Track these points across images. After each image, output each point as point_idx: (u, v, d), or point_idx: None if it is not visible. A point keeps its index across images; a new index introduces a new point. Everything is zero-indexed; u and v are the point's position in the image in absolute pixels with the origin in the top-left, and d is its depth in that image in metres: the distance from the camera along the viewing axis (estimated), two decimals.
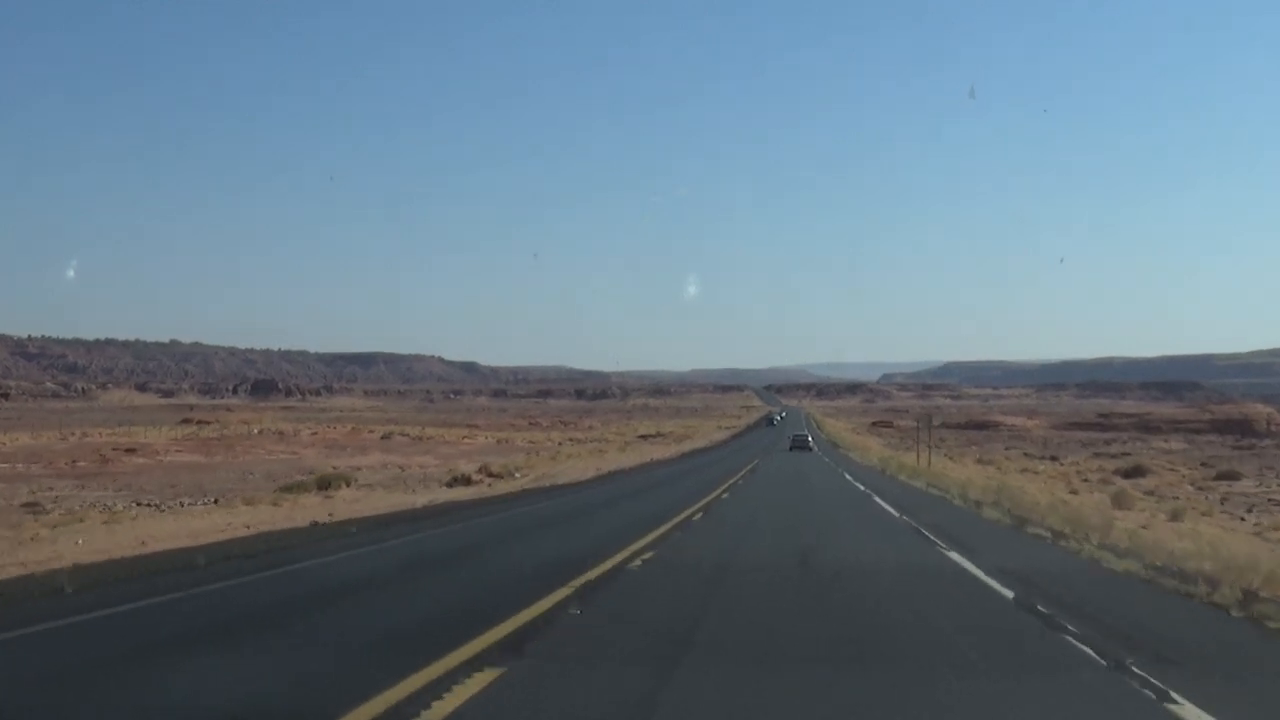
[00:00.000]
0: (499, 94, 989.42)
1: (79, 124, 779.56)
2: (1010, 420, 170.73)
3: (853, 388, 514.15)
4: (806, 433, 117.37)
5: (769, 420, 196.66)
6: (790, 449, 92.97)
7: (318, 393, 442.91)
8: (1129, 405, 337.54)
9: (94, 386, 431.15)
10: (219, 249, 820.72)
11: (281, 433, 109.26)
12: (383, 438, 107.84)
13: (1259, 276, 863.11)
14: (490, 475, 52.56)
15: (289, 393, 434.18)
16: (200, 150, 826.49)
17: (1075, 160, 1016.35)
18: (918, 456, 58.12)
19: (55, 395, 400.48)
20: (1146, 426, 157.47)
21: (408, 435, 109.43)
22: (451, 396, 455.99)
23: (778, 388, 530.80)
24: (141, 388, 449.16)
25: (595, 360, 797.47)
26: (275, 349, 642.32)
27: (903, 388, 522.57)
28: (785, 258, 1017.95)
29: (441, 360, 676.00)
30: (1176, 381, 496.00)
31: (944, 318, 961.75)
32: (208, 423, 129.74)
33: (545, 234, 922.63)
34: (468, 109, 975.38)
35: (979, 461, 66.34)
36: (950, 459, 61.26)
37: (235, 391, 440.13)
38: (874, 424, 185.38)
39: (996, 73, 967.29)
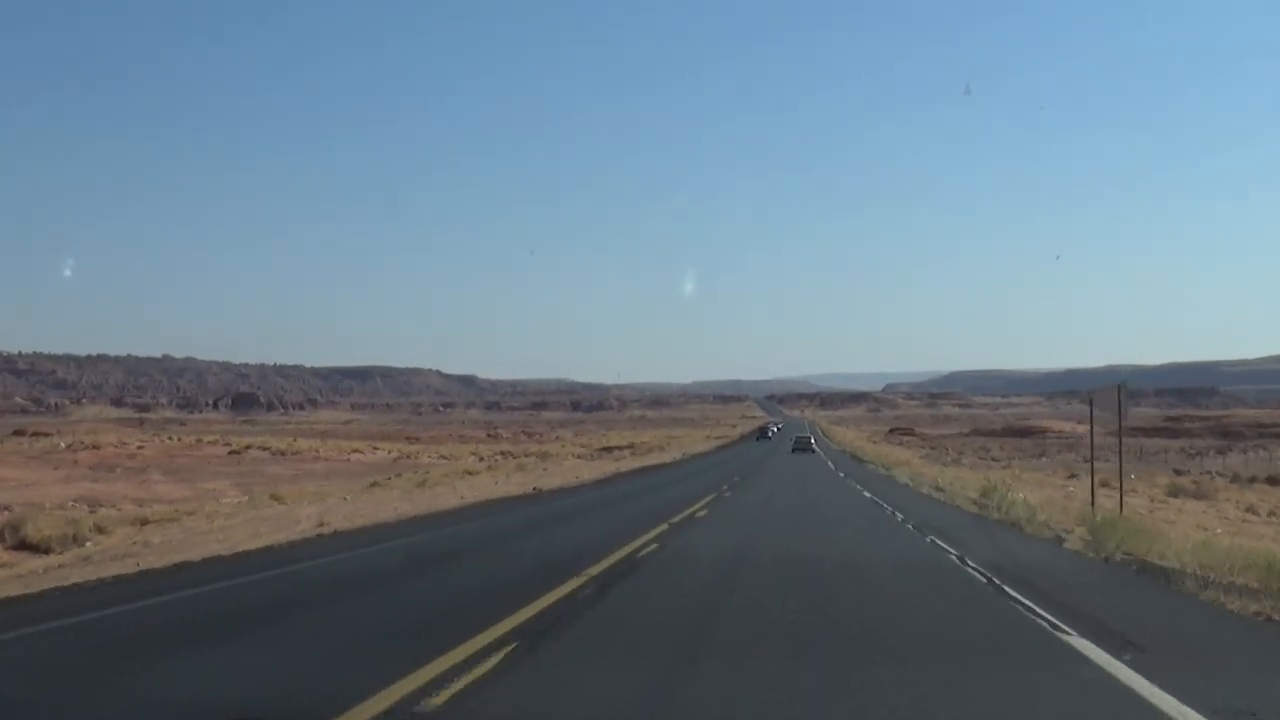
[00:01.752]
0: (500, 106, 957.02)
1: (73, 135, 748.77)
2: (1058, 426, 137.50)
3: (856, 397, 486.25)
4: (809, 434, 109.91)
5: (762, 432, 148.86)
6: (793, 451, 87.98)
7: (301, 406, 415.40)
8: (1151, 411, 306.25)
9: (67, 402, 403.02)
10: (215, 264, 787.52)
11: (96, 447, 76.80)
12: (232, 453, 75.09)
13: (1264, 282, 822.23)
14: (23, 547, 19.92)
15: (270, 407, 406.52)
16: (195, 162, 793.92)
17: (1076, 166, 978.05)
18: (1092, 495, 25.07)
19: (25, 411, 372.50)
20: (1226, 432, 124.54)
21: (269, 450, 76.56)
22: (441, 409, 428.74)
23: (780, 398, 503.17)
24: (117, 403, 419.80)
25: (596, 373, 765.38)
26: (270, 364, 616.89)
27: (909, 396, 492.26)
28: (786, 270, 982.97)
29: (439, 374, 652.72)
30: (1193, 388, 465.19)
31: (947, 328, 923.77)
32: (46, 435, 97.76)
33: (545, 247, 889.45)
34: (468, 118, 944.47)
35: (1195, 497, 32.97)
36: (1106, 487, 29.69)
37: (215, 406, 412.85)
38: (892, 431, 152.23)
39: (993, 71, 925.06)
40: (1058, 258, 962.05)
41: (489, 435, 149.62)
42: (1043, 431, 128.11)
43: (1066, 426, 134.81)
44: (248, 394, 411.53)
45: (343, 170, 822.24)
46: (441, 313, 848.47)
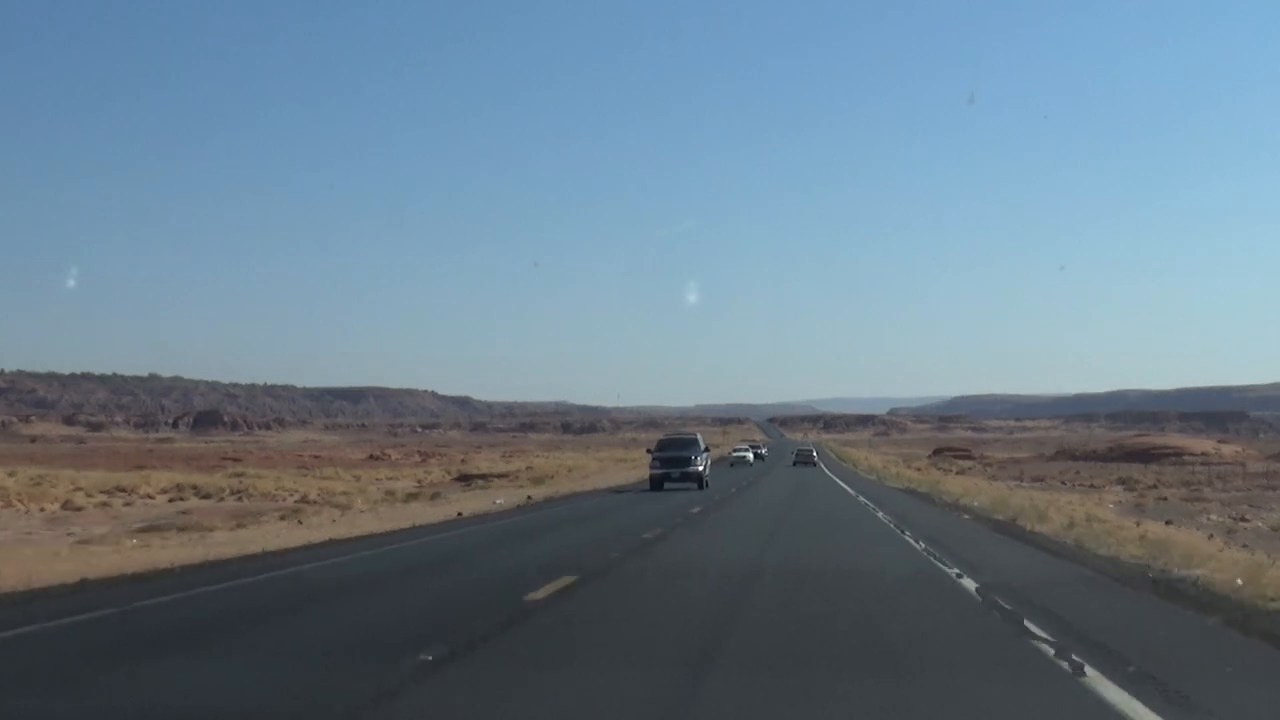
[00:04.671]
0: (500, 126, 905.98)
1: (70, 152, 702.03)
2: (1196, 446, 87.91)
3: (862, 420, 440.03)
4: (811, 448, 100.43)
5: (669, 463, 44.19)
6: (794, 464, 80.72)
7: (267, 426, 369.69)
8: (1179, 435, 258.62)
9: (16, 420, 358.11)
10: (210, 282, 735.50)
11: None
12: None
13: (1277, 305, 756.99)
14: None
15: (234, 426, 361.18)
16: (188, 180, 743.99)
17: (1080, 187, 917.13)
18: None
19: None
20: None
21: None
22: (419, 430, 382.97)
23: (781, 421, 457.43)
24: (69, 420, 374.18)
25: (596, 396, 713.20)
26: (261, 384, 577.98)
27: (918, 419, 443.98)
28: (788, 294, 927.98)
29: (434, 395, 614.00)
30: (1221, 412, 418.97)
31: (952, 352, 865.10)
32: None
33: (544, 270, 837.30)
34: (471, 134, 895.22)
35: None
36: None
37: (176, 425, 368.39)
38: (937, 453, 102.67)
39: (998, 82, 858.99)
40: (1061, 268, 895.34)
41: (371, 458, 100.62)
42: (1177, 452, 79.35)
43: (1208, 447, 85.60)
44: (209, 412, 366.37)
45: (341, 186, 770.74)
46: (440, 334, 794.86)
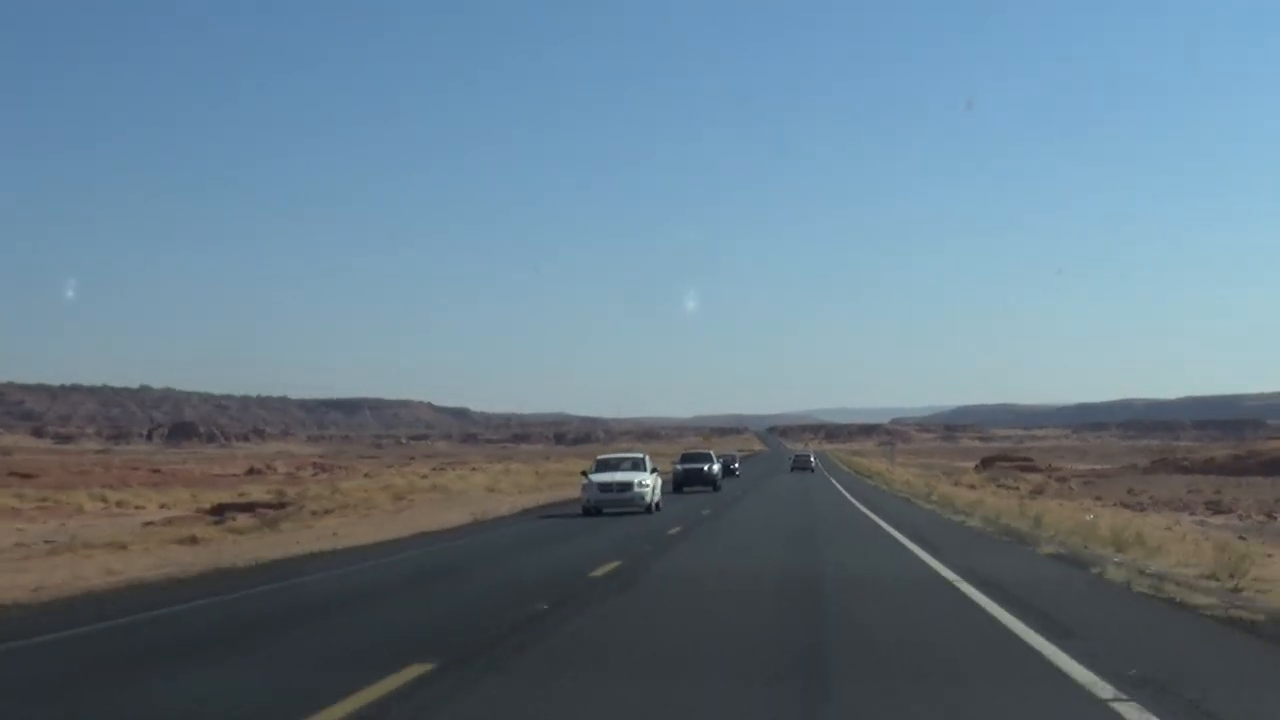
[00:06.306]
0: (504, 142, 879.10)
1: (63, 159, 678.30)
2: None
3: (866, 429, 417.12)
4: (810, 454, 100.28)
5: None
6: (792, 470, 79.74)
7: (245, 437, 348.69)
8: (1192, 443, 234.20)
9: None
10: (204, 293, 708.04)
11: None
12: None
13: None
14: None
15: (210, 437, 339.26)
16: (183, 183, 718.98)
17: (1085, 189, 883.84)
18: None
19: None
20: None
21: None
22: (404, 441, 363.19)
23: (782, 430, 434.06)
24: (38, 433, 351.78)
25: (595, 407, 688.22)
26: (253, 395, 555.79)
27: (922, 428, 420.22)
28: (788, 302, 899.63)
29: (430, 406, 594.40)
30: (1237, 420, 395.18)
31: (954, 361, 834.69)
32: None
33: (544, 278, 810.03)
34: (471, 143, 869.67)
35: None
36: None
37: (150, 437, 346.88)
38: (984, 463, 78.50)
39: (996, 87, 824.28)
40: (1059, 272, 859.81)
41: (252, 471, 75.88)
42: None
43: None
44: (184, 424, 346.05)
45: (337, 192, 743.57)
46: (437, 346, 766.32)
